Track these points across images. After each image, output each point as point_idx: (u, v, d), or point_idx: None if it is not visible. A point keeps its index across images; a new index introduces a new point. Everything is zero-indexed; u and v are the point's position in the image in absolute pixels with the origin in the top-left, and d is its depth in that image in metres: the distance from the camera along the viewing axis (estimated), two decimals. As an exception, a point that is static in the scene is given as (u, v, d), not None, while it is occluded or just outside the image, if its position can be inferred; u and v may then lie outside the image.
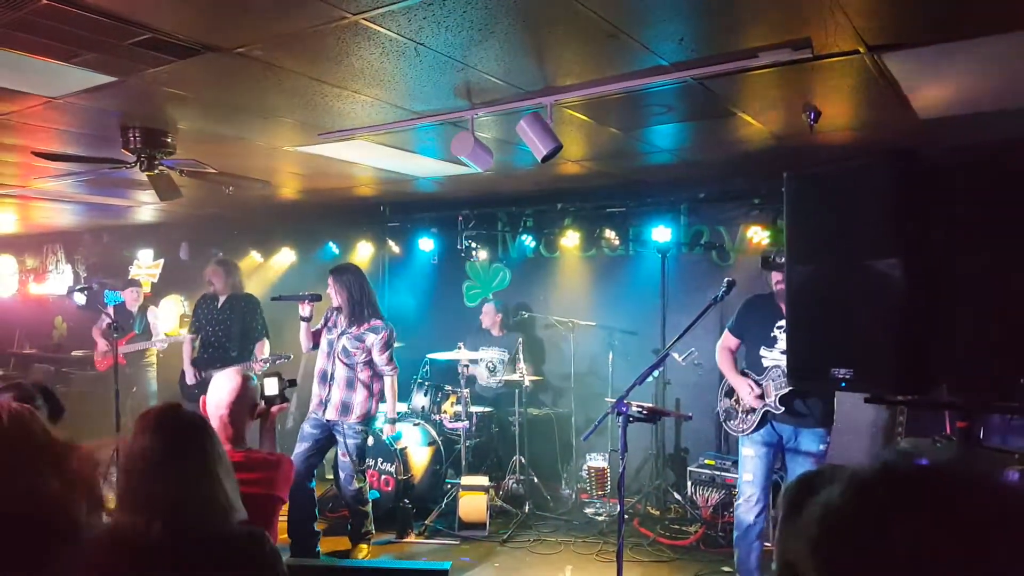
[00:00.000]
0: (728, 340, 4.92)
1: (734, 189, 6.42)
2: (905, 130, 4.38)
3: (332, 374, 5.37)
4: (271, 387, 3.44)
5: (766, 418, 4.62)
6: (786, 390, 4.49)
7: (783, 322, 4.53)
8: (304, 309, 5.46)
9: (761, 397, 4.61)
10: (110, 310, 7.62)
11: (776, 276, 4.57)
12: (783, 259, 4.48)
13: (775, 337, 4.64)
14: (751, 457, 4.69)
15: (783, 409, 4.53)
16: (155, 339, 8.06)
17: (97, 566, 1.94)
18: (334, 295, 5.43)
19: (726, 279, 4.50)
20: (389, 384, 5.50)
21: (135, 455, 2.03)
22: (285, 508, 4.19)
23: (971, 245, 2.28)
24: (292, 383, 3.57)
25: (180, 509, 1.98)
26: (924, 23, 2.91)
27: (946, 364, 2.30)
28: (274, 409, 3.39)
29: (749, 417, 4.69)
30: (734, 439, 5.38)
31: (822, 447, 4.50)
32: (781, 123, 4.37)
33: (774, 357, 4.63)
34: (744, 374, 4.77)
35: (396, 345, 5.49)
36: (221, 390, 2.99)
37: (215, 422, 2.94)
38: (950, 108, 4.00)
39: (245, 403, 3.01)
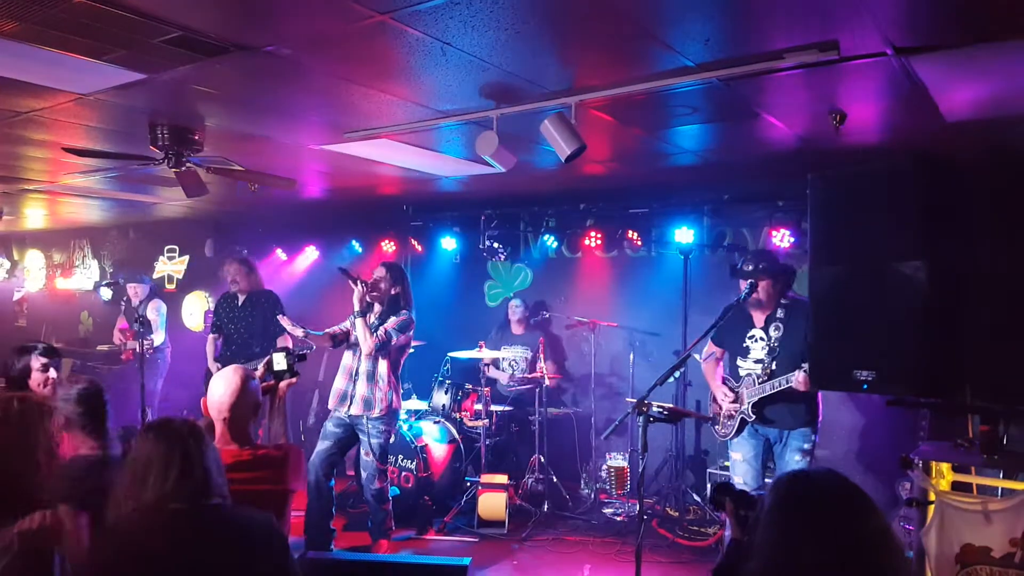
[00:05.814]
0: (712, 348, 5.04)
1: (758, 191, 6.38)
2: (932, 133, 4.34)
3: (356, 369, 5.40)
4: (280, 362, 3.42)
5: (744, 423, 4.73)
6: (757, 397, 4.59)
7: (754, 331, 4.72)
8: (358, 302, 5.27)
9: (737, 402, 4.73)
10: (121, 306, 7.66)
11: (743, 284, 4.63)
12: (749, 267, 4.60)
13: (747, 347, 4.75)
14: (739, 461, 4.82)
15: (755, 416, 4.63)
16: (149, 337, 7.55)
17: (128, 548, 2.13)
18: (382, 285, 5.43)
19: (749, 280, 4.49)
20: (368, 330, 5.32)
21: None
22: (302, 503, 4.15)
23: (995, 248, 2.27)
24: (302, 357, 3.52)
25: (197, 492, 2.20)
26: (953, 25, 2.88)
27: (970, 367, 2.30)
28: (283, 385, 3.37)
29: (729, 422, 4.81)
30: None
31: (807, 445, 4.58)
32: (806, 125, 4.34)
33: (748, 366, 4.74)
34: (725, 381, 4.90)
35: (417, 343, 5.49)
36: (220, 391, 2.95)
37: (218, 424, 2.92)
38: (978, 111, 3.96)
39: (246, 402, 2.97)
